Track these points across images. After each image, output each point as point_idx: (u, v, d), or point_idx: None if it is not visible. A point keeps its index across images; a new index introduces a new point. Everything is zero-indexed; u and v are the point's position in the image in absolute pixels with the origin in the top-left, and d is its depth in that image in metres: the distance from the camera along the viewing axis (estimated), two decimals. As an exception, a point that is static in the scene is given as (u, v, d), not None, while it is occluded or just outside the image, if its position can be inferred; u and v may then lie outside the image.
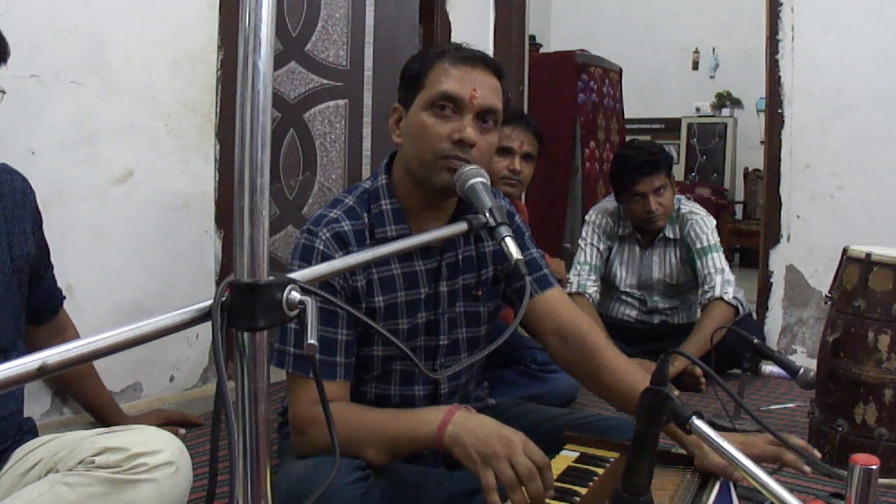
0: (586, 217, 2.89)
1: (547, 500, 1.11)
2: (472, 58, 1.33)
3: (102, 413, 1.85)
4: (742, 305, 2.60)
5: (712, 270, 2.60)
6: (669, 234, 2.74)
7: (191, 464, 1.24)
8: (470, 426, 1.17)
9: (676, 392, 2.35)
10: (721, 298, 2.54)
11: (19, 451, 1.26)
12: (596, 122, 4.61)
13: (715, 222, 2.74)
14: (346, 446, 1.23)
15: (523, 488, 1.09)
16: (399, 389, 1.44)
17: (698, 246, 2.66)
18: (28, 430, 1.34)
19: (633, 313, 2.85)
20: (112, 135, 2.00)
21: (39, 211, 1.43)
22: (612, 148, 4.70)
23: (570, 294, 2.56)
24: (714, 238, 2.67)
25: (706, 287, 2.60)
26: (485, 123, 1.32)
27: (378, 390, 1.43)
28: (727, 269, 2.62)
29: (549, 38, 6.61)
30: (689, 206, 2.76)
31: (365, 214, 1.37)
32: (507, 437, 1.13)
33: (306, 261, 1.32)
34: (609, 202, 2.86)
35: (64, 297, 1.63)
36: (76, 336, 1.65)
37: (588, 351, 1.44)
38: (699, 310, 2.73)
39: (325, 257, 1.30)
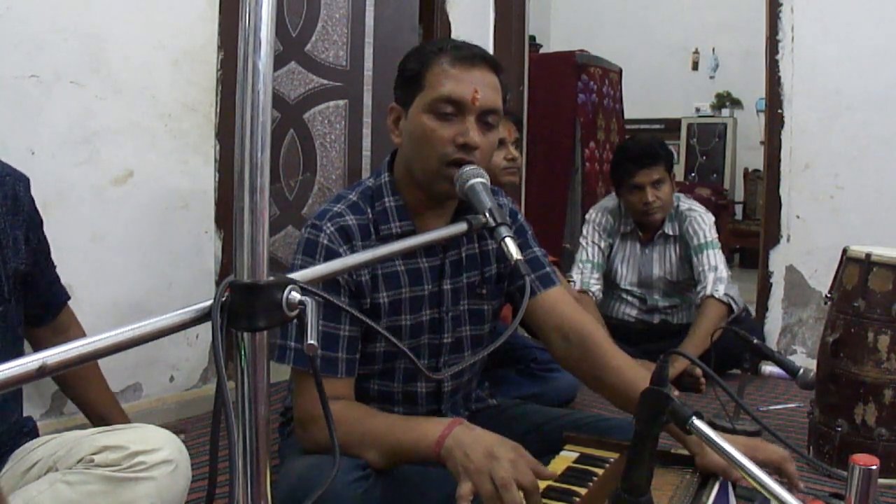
0: (587, 216, 2.90)
1: (547, 501, 1.11)
2: (470, 56, 1.31)
3: (107, 421, 1.81)
4: (735, 302, 2.58)
5: (706, 268, 2.61)
6: (669, 230, 2.74)
7: (189, 462, 1.23)
8: (465, 441, 1.15)
9: (676, 393, 2.35)
10: (712, 296, 2.55)
11: (19, 452, 1.26)
12: (596, 123, 4.61)
13: (713, 219, 2.74)
14: (349, 447, 1.23)
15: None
16: (402, 386, 1.43)
17: (695, 242, 2.67)
18: (28, 431, 1.34)
19: (634, 312, 2.85)
20: (112, 135, 2.00)
21: (38, 211, 1.39)
22: (611, 148, 4.70)
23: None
24: (711, 235, 2.67)
25: (701, 285, 2.61)
26: (486, 124, 1.31)
27: (381, 387, 1.43)
28: (721, 266, 2.62)
29: (549, 38, 6.61)
30: (688, 204, 2.77)
31: (369, 210, 1.37)
32: (491, 451, 1.10)
33: (310, 255, 1.31)
34: (609, 200, 2.87)
35: (68, 297, 1.61)
36: (81, 335, 1.62)
37: (591, 349, 1.43)
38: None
39: (330, 251, 1.30)
